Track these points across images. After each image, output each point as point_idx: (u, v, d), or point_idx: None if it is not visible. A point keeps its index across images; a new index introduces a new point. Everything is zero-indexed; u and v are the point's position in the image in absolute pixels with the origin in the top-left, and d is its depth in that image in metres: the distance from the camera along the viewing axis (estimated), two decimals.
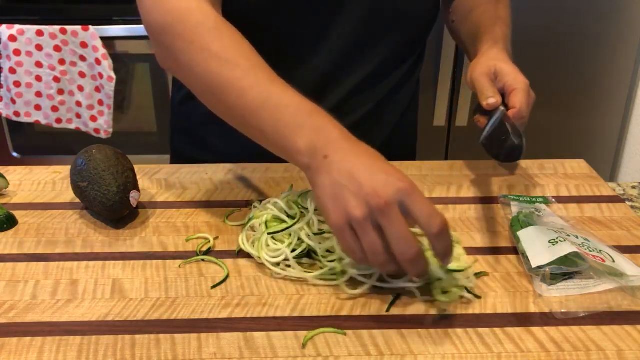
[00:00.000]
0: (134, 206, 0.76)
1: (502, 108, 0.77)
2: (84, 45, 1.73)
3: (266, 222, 0.70)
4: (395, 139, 1.00)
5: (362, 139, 0.95)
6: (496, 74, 0.80)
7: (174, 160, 1.06)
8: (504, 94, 0.80)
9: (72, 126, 1.85)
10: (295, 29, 0.86)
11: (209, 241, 0.73)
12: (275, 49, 0.87)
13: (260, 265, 0.68)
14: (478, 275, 0.67)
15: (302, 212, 0.69)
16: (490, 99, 0.78)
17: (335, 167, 0.59)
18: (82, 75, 1.78)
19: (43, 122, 1.83)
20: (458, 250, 0.66)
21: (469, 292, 0.63)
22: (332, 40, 0.88)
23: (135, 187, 0.76)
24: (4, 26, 1.72)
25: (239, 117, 0.67)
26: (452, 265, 0.62)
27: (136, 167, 0.80)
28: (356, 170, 0.58)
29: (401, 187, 0.56)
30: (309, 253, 0.68)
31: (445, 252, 0.58)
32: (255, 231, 0.72)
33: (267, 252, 0.68)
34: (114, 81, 1.75)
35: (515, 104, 0.77)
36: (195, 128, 0.98)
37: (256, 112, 0.65)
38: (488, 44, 0.87)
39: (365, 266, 0.63)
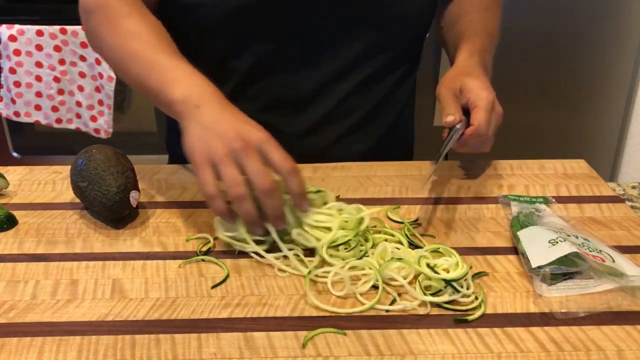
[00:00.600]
0: (134, 206, 0.76)
1: (457, 127, 0.75)
2: (84, 45, 1.73)
3: None
4: (392, 137, 1.00)
5: (359, 137, 0.95)
6: (461, 89, 0.79)
7: (171, 161, 1.07)
8: (468, 110, 0.78)
9: (72, 126, 1.85)
10: (293, 33, 0.87)
11: (209, 241, 0.73)
12: (274, 52, 0.88)
13: (261, 265, 0.68)
14: (478, 275, 0.67)
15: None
16: (449, 117, 0.76)
17: (204, 116, 0.68)
18: (82, 75, 1.78)
19: (43, 122, 1.83)
20: (453, 259, 0.66)
21: (468, 291, 0.63)
22: (331, 45, 0.88)
23: (135, 187, 0.76)
24: (4, 26, 1.72)
25: (135, 79, 0.78)
26: (449, 275, 0.63)
27: (136, 167, 0.80)
28: (223, 120, 0.67)
29: (261, 136, 0.66)
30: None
31: (298, 191, 0.66)
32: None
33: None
34: (114, 81, 1.75)
35: (474, 121, 0.75)
36: None
37: (147, 72, 0.75)
38: (463, 55, 0.87)
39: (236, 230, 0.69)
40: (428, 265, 0.64)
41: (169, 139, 1.06)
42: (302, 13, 0.85)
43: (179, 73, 0.74)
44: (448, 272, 0.64)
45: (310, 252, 0.69)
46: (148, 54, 0.76)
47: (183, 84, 0.72)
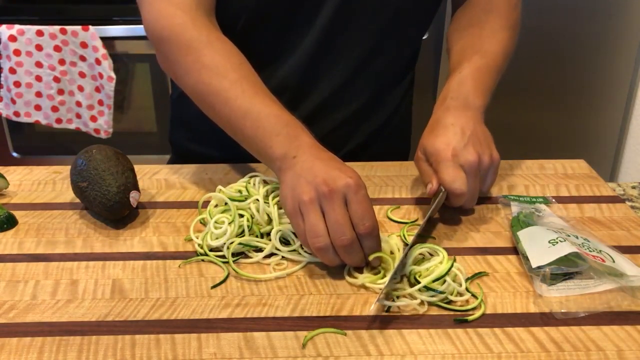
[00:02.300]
0: (134, 206, 0.76)
1: (442, 190, 0.73)
2: (84, 45, 1.73)
3: (209, 211, 0.75)
4: (390, 129, 1.01)
5: (356, 127, 0.95)
6: (425, 154, 0.76)
7: (174, 155, 1.07)
8: None
9: (72, 126, 1.85)
10: (283, 25, 0.87)
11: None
12: (266, 46, 0.88)
13: (260, 266, 0.68)
14: (478, 275, 0.67)
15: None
16: (428, 186, 0.74)
17: (299, 165, 0.67)
18: (82, 75, 1.78)
19: (43, 122, 1.83)
20: (439, 256, 0.65)
21: (468, 291, 0.63)
22: (319, 36, 0.88)
23: (135, 187, 0.76)
24: (4, 26, 1.72)
25: (225, 122, 0.75)
26: (429, 279, 0.62)
27: (136, 167, 0.80)
28: (315, 166, 0.66)
29: (349, 183, 0.63)
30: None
31: (370, 251, 0.64)
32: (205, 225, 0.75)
33: (210, 237, 0.71)
34: (114, 81, 1.75)
35: (443, 186, 0.72)
36: (193, 121, 0.99)
37: (240, 119, 0.73)
38: (436, 105, 0.82)
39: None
40: (415, 278, 0.64)
41: (172, 132, 1.06)
42: (295, 9, 0.86)
43: (275, 123, 0.71)
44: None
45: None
46: (238, 98, 0.73)
47: (281, 138, 0.70)
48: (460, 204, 0.75)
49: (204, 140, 0.99)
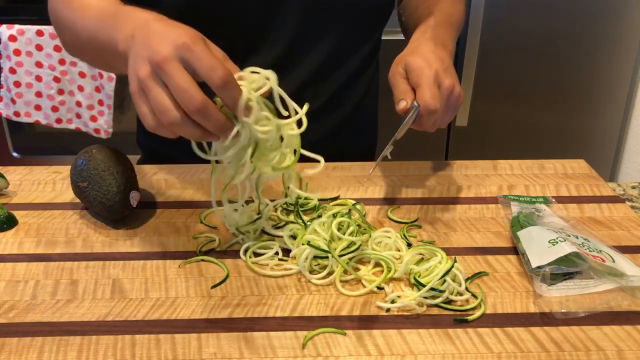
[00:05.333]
0: (134, 206, 0.76)
1: (415, 105, 0.73)
2: None
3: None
4: (355, 122, 1.01)
5: (319, 123, 0.95)
6: (406, 69, 0.76)
7: (143, 156, 1.07)
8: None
9: (72, 126, 1.85)
10: (240, 18, 0.87)
11: (214, 240, 0.73)
12: (226, 39, 0.88)
13: (261, 266, 0.68)
14: (478, 275, 0.67)
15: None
16: (401, 102, 0.73)
17: (137, 42, 0.60)
18: (82, 75, 1.78)
19: (43, 122, 1.83)
20: (434, 261, 0.65)
21: (468, 291, 0.63)
22: (279, 30, 0.87)
23: (135, 187, 0.76)
24: (4, 26, 1.72)
25: (89, 46, 0.73)
26: (426, 280, 0.63)
27: (136, 167, 0.80)
28: (148, 39, 0.58)
29: (180, 42, 0.56)
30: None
31: (233, 103, 0.58)
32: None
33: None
34: (114, 81, 1.75)
35: (419, 101, 0.72)
36: None
37: (95, 31, 0.70)
38: (415, 35, 0.84)
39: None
40: (415, 278, 0.64)
41: (139, 135, 1.06)
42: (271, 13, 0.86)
43: (117, 13, 0.67)
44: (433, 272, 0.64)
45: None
46: (99, 14, 0.72)
47: (127, 23, 0.64)
48: (428, 125, 0.74)
49: (169, 141, 0.99)
